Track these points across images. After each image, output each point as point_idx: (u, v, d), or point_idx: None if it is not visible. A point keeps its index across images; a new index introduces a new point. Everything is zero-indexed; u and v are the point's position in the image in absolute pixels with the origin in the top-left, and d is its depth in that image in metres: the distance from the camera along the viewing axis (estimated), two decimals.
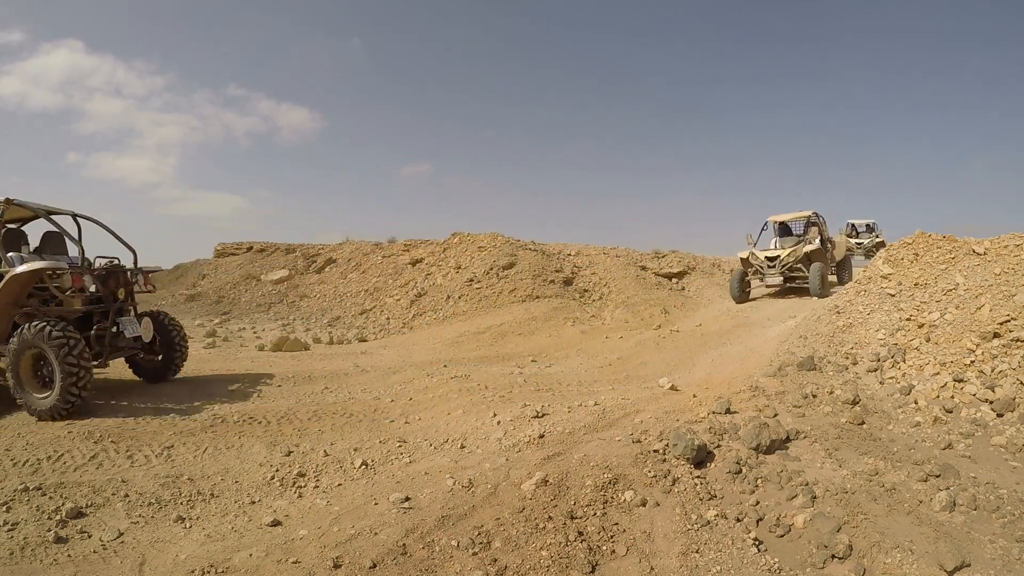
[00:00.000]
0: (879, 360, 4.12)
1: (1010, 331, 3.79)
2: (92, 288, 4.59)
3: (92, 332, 4.60)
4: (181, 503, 3.00)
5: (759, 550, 2.50)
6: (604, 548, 2.49)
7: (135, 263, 5.27)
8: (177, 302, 14.30)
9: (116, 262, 5.04)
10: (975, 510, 2.67)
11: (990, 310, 4.01)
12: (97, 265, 4.83)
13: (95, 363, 4.45)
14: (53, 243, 5.04)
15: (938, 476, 2.90)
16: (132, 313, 5.10)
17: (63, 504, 2.84)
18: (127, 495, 3.02)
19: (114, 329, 4.78)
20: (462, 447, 3.67)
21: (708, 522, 2.62)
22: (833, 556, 2.44)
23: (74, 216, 5.18)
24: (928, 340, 4.10)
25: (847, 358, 4.31)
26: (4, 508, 2.77)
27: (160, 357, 5.39)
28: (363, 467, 3.42)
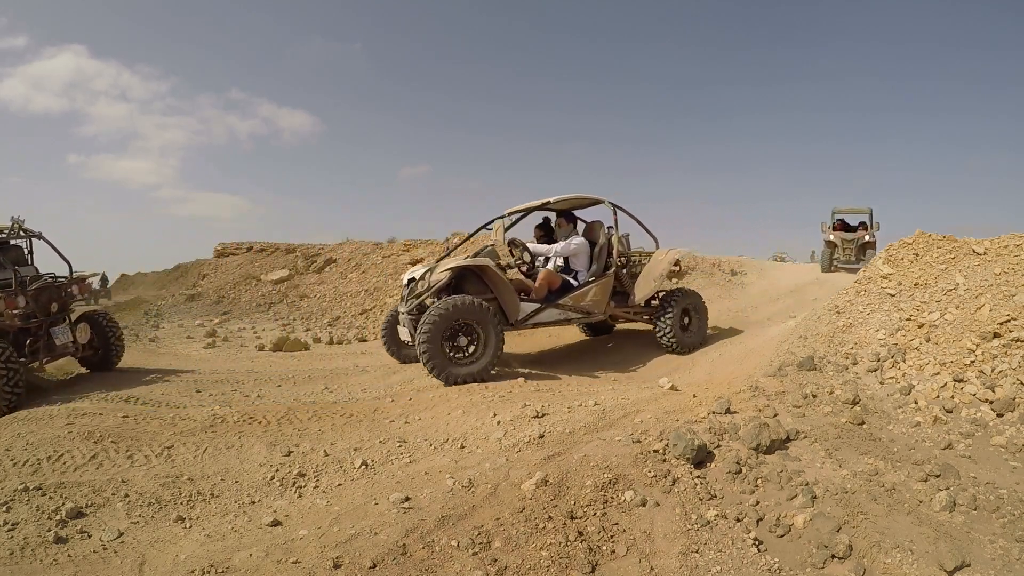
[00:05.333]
0: (879, 360, 4.12)
1: (1010, 331, 3.79)
2: (24, 305, 5.35)
3: (27, 341, 5.45)
4: (181, 503, 3.00)
5: (759, 550, 2.50)
6: (604, 548, 2.48)
7: (70, 274, 6.06)
8: (177, 302, 14.29)
9: (50, 278, 5.82)
10: (975, 510, 2.67)
11: (990, 310, 4.01)
12: (33, 283, 5.60)
13: (30, 363, 5.42)
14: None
15: (938, 476, 2.90)
16: (67, 321, 5.89)
17: (63, 504, 2.84)
18: (127, 495, 3.02)
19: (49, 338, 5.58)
20: (462, 447, 3.67)
21: (708, 522, 2.62)
22: (833, 556, 2.44)
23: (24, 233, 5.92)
24: (928, 340, 4.10)
25: (847, 358, 4.31)
26: (4, 508, 2.77)
27: (100, 352, 6.29)
28: (363, 467, 3.42)
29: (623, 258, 6.56)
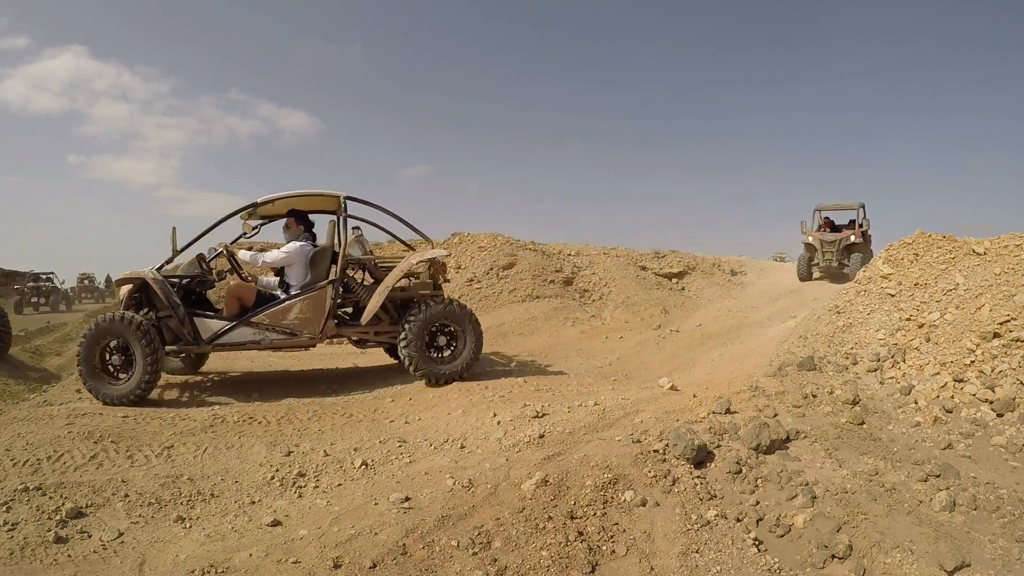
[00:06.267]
0: (879, 360, 4.12)
1: (1010, 331, 3.79)
2: None
3: None
4: (181, 503, 3.00)
5: (759, 550, 2.50)
6: (604, 548, 2.49)
7: None
8: None
9: None
10: (975, 510, 2.67)
11: (990, 310, 4.01)
12: None
13: None
14: None
15: (938, 476, 2.90)
16: None
17: (63, 504, 2.84)
18: (127, 495, 3.02)
19: None
20: (462, 447, 3.67)
21: (708, 522, 2.62)
22: (833, 556, 2.44)
23: None
24: (928, 340, 4.10)
25: (847, 358, 4.31)
26: (4, 508, 2.76)
27: None
28: (363, 467, 3.43)
29: (362, 266, 5.53)
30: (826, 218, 12.73)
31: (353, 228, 5.47)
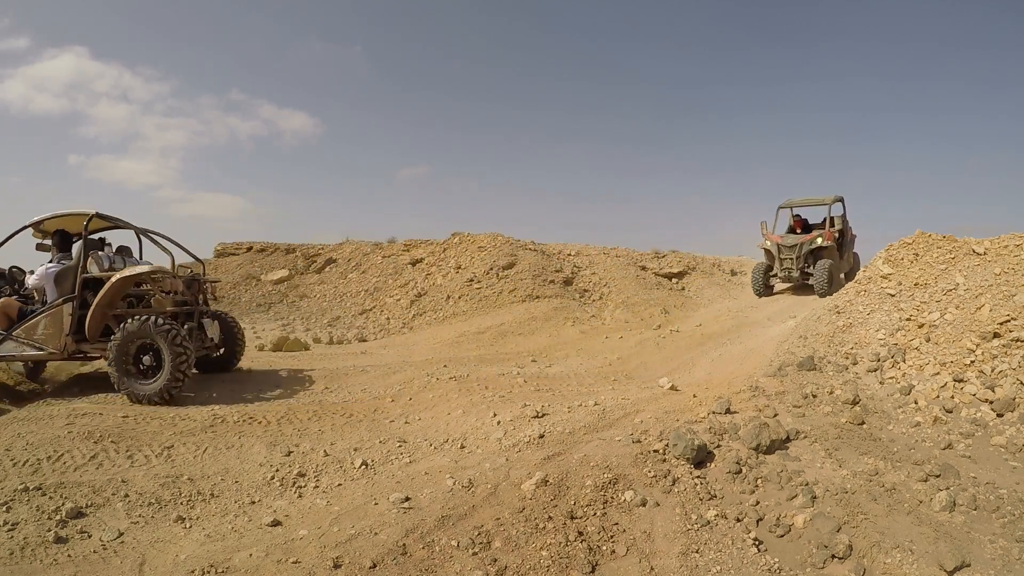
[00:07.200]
0: (879, 360, 4.12)
1: (1010, 331, 3.79)
2: None
3: None
4: (181, 503, 3.00)
5: (759, 550, 2.50)
6: (604, 548, 2.49)
7: None
8: None
9: None
10: (975, 510, 2.67)
11: (990, 310, 4.01)
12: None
13: None
14: None
15: (938, 476, 2.90)
16: None
17: (63, 504, 2.84)
18: (127, 495, 3.02)
19: None
20: (462, 447, 3.67)
21: (708, 522, 2.62)
22: (833, 556, 2.44)
23: None
24: (928, 340, 4.10)
25: (847, 358, 4.31)
26: (4, 508, 2.77)
27: None
28: (363, 467, 3.43)
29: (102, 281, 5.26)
30: (797, 217, 10.46)
31: (106, 244, 5.81)
